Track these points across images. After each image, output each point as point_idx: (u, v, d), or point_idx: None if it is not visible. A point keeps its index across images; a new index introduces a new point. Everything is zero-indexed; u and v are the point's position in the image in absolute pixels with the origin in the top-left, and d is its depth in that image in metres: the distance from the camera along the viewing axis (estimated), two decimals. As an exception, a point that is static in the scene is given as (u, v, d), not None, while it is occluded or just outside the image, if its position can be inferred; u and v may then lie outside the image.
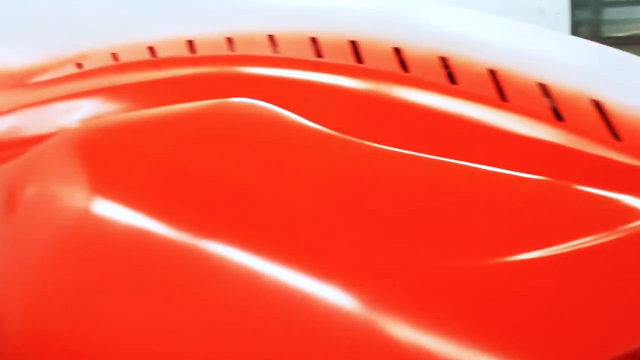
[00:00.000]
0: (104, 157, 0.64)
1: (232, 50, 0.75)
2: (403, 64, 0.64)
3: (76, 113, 0.77)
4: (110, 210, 0.60)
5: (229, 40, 0.76)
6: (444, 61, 0.62)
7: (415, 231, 0.51)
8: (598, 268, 0.46)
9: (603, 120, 0.55)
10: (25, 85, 0.89)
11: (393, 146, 0.57)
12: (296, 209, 0.54)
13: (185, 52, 0.78)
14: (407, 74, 0.63)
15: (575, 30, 4.24)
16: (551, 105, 0.57)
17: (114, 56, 0.83)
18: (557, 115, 0.56)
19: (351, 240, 0.52)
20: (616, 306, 0.44)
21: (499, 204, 0.51)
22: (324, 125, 0.61)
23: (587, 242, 0.46)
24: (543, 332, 0.44)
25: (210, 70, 0.76)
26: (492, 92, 0.59)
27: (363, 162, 0.56)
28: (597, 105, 0.56)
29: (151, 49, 0.81)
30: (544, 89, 0.58)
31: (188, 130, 0.63)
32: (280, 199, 0.55)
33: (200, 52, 0.77)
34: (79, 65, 0.86)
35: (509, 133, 0.56)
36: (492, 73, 0.60)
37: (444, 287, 0.47)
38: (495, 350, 0.44)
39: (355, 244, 0.51)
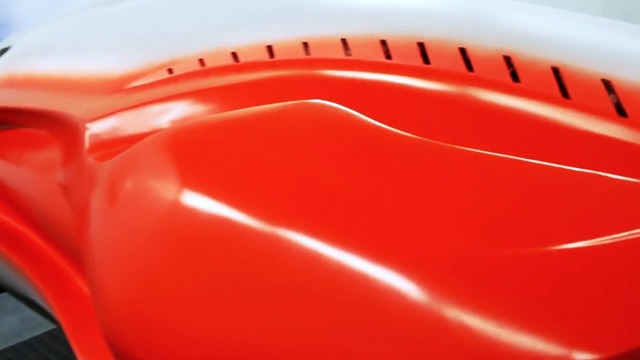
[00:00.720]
0: (192, 155, 0.71)
1: (307, 54, 0.80)
2: (468, 63, 0.67)
3: (168, 115, 0.85)
4: (198, 202, 0.67)
5: (305, 45, 0.81)
6: (508, 60, 0.64)
7: (481, 223, 0.54)
8: None
9: None
10: (124, 90, 0.98)
11: (456, 144, 0.60)
12: (366, 202, 0.58)
13: (265, 57, 0.84)
14: (471, 74, 0.66)
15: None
16: (615, 100, 0.58)
17: (201, 62, 0.91)
18: (620, 111, 0.57)
19: (419, 230, 0.55)
20: None
21: (557, 198, 0.53)
22: (389, 123, 0.65)
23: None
24: (596, 315, 0.46)
25: (288, 73, 0.81)
26: (554, 90, 0.61)
27: (426, 159, 0.60)
28: None
29: (234, 55, 0.88)
30: (608, 85, 0.59)
31: (267, 130, 0.69)
32: (350, 192, 0.59)
33: (278, 56, 0.83)
34: (170, 71, 0.94)
35: (569, 130, 0.58)
36: (556, 71, 0.61)
37: (506, 272, 0.51)
38: (551, 334, 0.47)
39: (424, 234, 0.54)
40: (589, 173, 0.54)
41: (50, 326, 3.02)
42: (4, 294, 2.72)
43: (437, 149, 0.60)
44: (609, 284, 0.48)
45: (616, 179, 0.52)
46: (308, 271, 0.56)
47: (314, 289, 0.56)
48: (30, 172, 1.25)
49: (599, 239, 0.49)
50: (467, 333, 0.48)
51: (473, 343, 0.48)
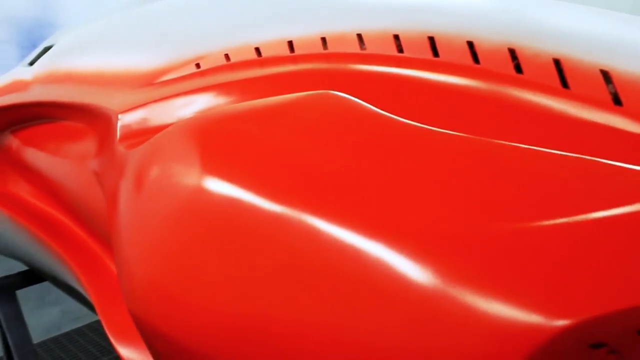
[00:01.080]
0: (211, 141, 0.75)
1: (325, 49, 0.84)
2: (475, 56, 0.69)
3: (194, 106, 0.90)
4: (219, 186, 0.72)
5: (323, 40, 0.84)
6: (513, 52, 0.67)
7: (474, 201, 0.58)
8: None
9: None
10: (154, 84, 1.03)
11: (461, 131, 0.63)
12: (370, 184, 0.62)
13: (286, 51, 0.88)
14: (477, 66, 0.68)
15: None
16: (613, 90, 0.60)
17: (227, 57, 0.95)
18: (617, 101, 0.59)
19: (416, 208, 0.59)
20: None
21: (543, 180, 0.56)
22: (398, 112, 0.68)
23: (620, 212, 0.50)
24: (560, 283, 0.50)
25: (306, 66, 0.85)
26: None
27: (426, 145, 0.64)
28: None
29: (257, 50, 0.92)
30: (606, 75, 0.60)
31: (283, 118, 0.73)
32: (356, 175, 0.63)
33: (298, 50, 0.87)
34: (198, 66, 0.99)
35: (566, 118, 0.60)
36: (557, 62, 0.64)
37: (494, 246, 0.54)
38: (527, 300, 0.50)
39: (420, 213, 0.58)
40: (575, 157, 0.56)
41: (89, 319, 3.11)
42: (46, 287, 2.82)
43: (437, 135, 0.63)
44: (582, 257, 0.52)
45: (601, 162, 0.55)
46: (321, 250, 0.60)
47: (327, 267, 0.60)
48: (68, 163, 1.32)
49: (580, 216, 0.52)
50: (453, 303, 0.51)
51: (459, 313, 0.51)
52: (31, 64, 1.73)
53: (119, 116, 0.96)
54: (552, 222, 0.53)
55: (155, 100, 0.95)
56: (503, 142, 0.60)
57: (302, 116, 0.72)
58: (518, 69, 0.66)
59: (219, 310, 0.64)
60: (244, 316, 0.63)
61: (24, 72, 1.69)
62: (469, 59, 0.70)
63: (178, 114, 0.90)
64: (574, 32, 0.66)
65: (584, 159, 0.56)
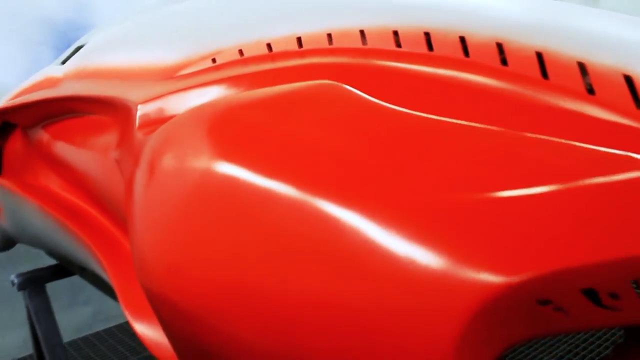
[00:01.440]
0: (221, 127, 0.81)
1: (330, 44, 0.89)
2: (466, 50, 0.74)
3: (206, 97, 0.96)
4: (222, 167, 0.78)
5: (329, 36, 0.90)
6: (500, 46, 0.72)
7: (442, 174, 0.64)
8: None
9: (630, 92, 0.61)
10: (173, 77, 1.10)
11: (446, 117, 0.68)
12: (350, 160, 0.68)
13: (295, 47, 0.94)
14: (467, 59, 0.73)
15: None
16: (588, 81, 0.64)
17: (240, 52, 1.02)
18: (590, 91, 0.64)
19: (390, 181, 0.65)
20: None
21: (499, 156, 0.62)
22: (393, 101, 0.73)
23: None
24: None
25: (313, 60, 0.90)
26: (536, 72, 0.67)
27: (406, 127, 0.70)
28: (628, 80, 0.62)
29: (269, 45, 0.98)
30: (583, 67, 0.65)
31: (285, 104, 0.79)
32: (345, 154, 0.70)
33: (306, 46, 0.92)
34: (214, 60, 1.05)
35: (543, 106, 0.65)
36: (540, 55, 0.68)
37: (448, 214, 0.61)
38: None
39: (393, 184, 0.64)
40: (533, 137, 0.62)
41: (120, 320, 3.16)
42: (77, 286, 2.89)
43: (419, 119, 0.69)
44: (527, 224, 0.58)
45: (556, 141, 0.61)
46: (306, 223, 0.66)
47: (311, 237, 0.66)
48: (94, 154, 1.39)
49: (532, 189, 0.58)
50: (414, 265, 0.59)
51: (418, 274, 0.58)
52: (63, 62, 1.82)
53: (139, 106, 1.02)
54: (506, 193, 0.59)
55: (173, 92, 1.02)
56: (475, 124, 0.65)
57: (301, 103, 0.78)
58: (504, 62, 0.71)
59: (216, 278, 0.72)
60: (236, 282, 0.70)
61: (55, 70, 1.78)
62: (460, 53, 0.74)
63: (192, 104, 0.96)
64: (556, 27, 0.71)
65: (541, 138, 0.61)
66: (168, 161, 0.84)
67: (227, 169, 0.76)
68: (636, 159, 0.56)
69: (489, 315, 0.57)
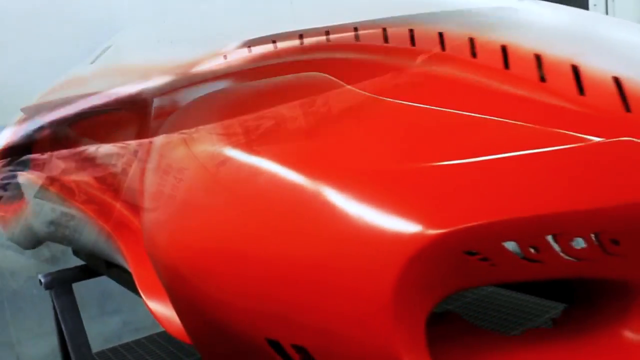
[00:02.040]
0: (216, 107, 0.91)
1: (328, 40, 0.97)
2: (442, 43, 0.81)
3: (213, 89, 1.05)
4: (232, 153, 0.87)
5: (327, 33, 0.98)
6: (472, 41, 0.78)
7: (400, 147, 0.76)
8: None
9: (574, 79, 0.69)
10: (187, 73, 1.19)
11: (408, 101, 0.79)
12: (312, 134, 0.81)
13: (296, 44, 1.02)
14: (444, 53, 0.80)
15: None
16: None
17: (249, 49, 1.10)
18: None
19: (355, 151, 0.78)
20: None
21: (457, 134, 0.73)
22: (377, 92, 0.81)
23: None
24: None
25: (313, 56, 0.98)
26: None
27: (372, 108, 0.82)
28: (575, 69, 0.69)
29: (274, 41, 1.06)
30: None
31: (279, 93, 0.88)
32: (319, 130, 0.81)
33: (306, 42, 1.00)
34: (225, 57, 1.14)
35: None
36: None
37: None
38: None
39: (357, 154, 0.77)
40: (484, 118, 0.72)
41: (150, 331, 3.05)
42: (107, 295, 2.87)
43: (384, 103, 0.80)
44: (455, 186, 0.69)
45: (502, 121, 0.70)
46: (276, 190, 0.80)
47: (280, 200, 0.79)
48: (115, 148, 1.49)
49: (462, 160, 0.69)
50: (357, 221, 0.71)
51: (360, 228, 0.70)
52: (92, 63, 1.92)
53: (155, 99, 1.11)
54: (441, 163, 0.70)
55: (187, 85, 1.10)
56: (447, 109, 0.75)
57: (294, 90, 0.89)
58: (474, 54, 0.78)
59: (205, 243, 0.85)
60: (221, 245, 0.83)
61: (83, 70, 1.88)
62: (437, 47, 0.81)
63: (197, 95, 1.05)
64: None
65: (475, 116, 0.72)
66: (171, 145, 0.93)
67: (222, 149, 0.86)
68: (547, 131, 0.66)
69: (422, 262, 0.67)
